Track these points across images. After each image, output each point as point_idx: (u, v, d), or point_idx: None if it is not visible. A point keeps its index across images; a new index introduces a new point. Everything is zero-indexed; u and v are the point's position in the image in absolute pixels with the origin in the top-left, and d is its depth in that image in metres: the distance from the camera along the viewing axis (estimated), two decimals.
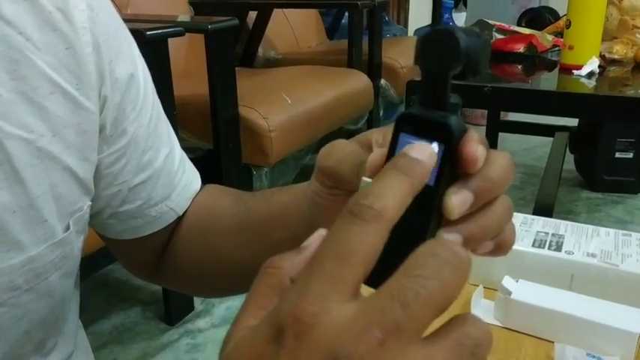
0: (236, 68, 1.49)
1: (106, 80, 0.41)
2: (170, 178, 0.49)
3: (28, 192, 0.37)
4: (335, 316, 0.19)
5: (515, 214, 0.61)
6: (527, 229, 0.62)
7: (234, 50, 1.49)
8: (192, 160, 0.55)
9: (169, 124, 0.51)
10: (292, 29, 2.66)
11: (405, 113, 0.26)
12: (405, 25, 4.32)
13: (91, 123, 0.41)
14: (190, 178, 0.52)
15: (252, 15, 2.30)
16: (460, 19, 4.13)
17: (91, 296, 1.62)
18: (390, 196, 0.22)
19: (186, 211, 0.52)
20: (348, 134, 2.21)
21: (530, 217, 0.65)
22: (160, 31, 1.15)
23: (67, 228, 0.41)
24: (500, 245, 0.29)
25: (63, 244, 0.41)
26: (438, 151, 0.25)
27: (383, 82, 2.35)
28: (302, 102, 1.68)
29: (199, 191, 0.53)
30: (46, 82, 0.37)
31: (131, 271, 0.57)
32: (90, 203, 0.43)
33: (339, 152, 0.34)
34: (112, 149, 0.44)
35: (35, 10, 0.36)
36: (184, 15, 2.18)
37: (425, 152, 0.24)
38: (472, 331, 0.21)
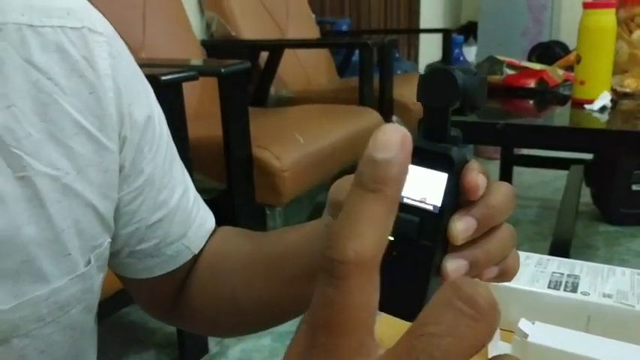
0: (248, 108, 1.52)
1: (126, 122, 0.44)
2: (185, 216, 0.51)
3: (54, 226, 0.39)
4: None
5: (530, 254, 0.61)
6: (543, 269, 0.61)
7: (246, 92, 1.51)
8: (206, 200, 0.56)
9: (183, 165, 0.53)
10: (303, 68, 2.70)
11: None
12: (416, 61, 4.37)
13: (112, 162, 0.43)
14: (205, 217, 0.54)
15: (264, 55, 2.34)
16: (471, 53, 4.17)
17: (107, 338, 1.62)
18: (364, 233, 0.19)
19: (201, 250, 0.53)
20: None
21: (545, 257, 0.64)
22: (174, 75, 1.17)
23: (89, 262, 0.43)
24: (505, 271, 0.30)
25: (84, 278, 0.42)
26: (445, 180, 0.26)
27: (395, 118, 2.36)
28: (314, 141, 1.69)
29: (214, 232, 0.54)
30: (71, 123, 0.40)
31: (148, 312, 0.58)
32: (110, 240, 0.45)
33: (348, 186, 0.35)
34: (130, 188, 0.46)
35: (64, 59, 0.40)
36: (197, 57, 2.22)
37: (392, 144, 0.20)
38: None
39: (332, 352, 0.19)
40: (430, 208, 0.26)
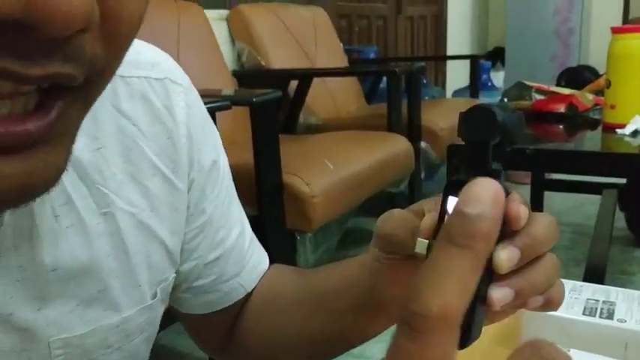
0: (279, 135, 1.55)
1: (194, 166, 0.47)
2: (241, 257, 0.53)
3: (130, 259, 0.43)
4: None
5: (564, 280, 0.61)
6: (577, 296, 0.61)
7: (276, 121, 1.55)
8: None
9: (241, 206, 0.55)
10: (332, 96, 2.74)
11: (452, 180, 0.29)
12: (443, 87, 4.38)
13: (181, 202, 0.46)
14: (259, 258, 0.56)
15: (293, 84, 2.39)
16: (498, 78, 4.17)
17: None
18: (449, 289, 0.20)
19: (254, 287, 0.55)
20: (390, 197, 2.22)
21: (579, 283, 0.64)
22: (208, 105, 1.20)
23: (155, 295, 0.45)
24: (550, 300, 0.31)
25: (150, 310, 0.45)
26: None
27: (423, 144, 2.37)
28: (344, 167, 1.71)
29: (267, 269, 0.57)
30: (149, 165, 0.44)
31: (200, 347, 0.60)
32: (174, 275, 0.48)
33: (394, 220, 0.37)
34: (192, 226, 0.48)
35: (147, 107, 0.44)
36: (229, 87, 2.28)
37: (484, 199, 0.20)
38: None
39: None
40: None
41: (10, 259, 0.36)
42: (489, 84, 3.51)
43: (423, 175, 2.36)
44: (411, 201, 2.31)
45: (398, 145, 2.03)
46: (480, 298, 0.27)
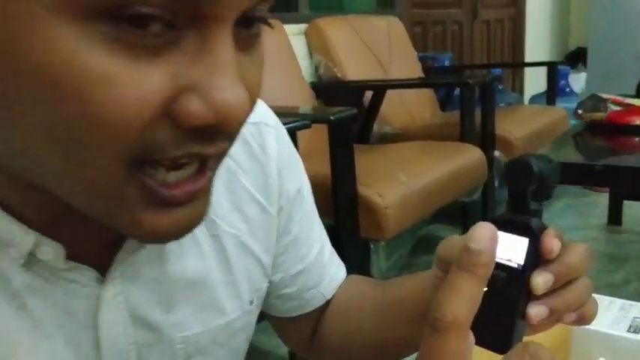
0: (354, 145, 1.64)
1: (283, 195, 0.55)
2: (321, 270, 0.61)
3: (233, 273, 0.51)
4: None
5: (614, 299, 0.68)
6: (625, 314, 0.66)
7: (352, 136, 1.64)
8: None
9: (322, 225, 0.63)
10: (406, 104, 2.79)
11: (498, 216, 0.37)
12: (521, 93, 4.31)
13: (272, 225, 0.55)
14: (337, 270, 0.64)
15: (368, 94, 2.47)
16: (579, 80, 4.05)
17: None
18: (459, 301, 0.29)
19: (333, 296, 0.63)
20: (463, 206, 2.26)
21: (629, 302, 0.69)
22: (290, 125, 1.32)
23: (252, 302, 0.54)
24: (582, 317, 0.38)
25: (249, 314, 0.54)
26: (527, 244, 0.35)
27: (497, 153, 2.39)
28: (416, 179, 1.78)
29: (344, 279, 0.65)
30: (248, 195, 0.52)
31: (288, 345, 0.71)
32: (267, 285, 0.57)
33: (451, 245, 0.45)
34: (280, 244, 0.57)
35: (246, 147, 0.52)
36: (307, 99, 2.39)
37: (483, 238, 0.30)
38: None
39: None
40: (515, 265, 0.36)
41: (146, 272, 0.47)
42: (567, 89, 3.45)
43: (496, 184, 2.38)
44: (484, 210, 2.34)
45: (470, 155, 2.07)
46: (519, 314, 0.36)
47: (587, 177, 1.35)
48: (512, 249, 0.35)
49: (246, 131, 0.52)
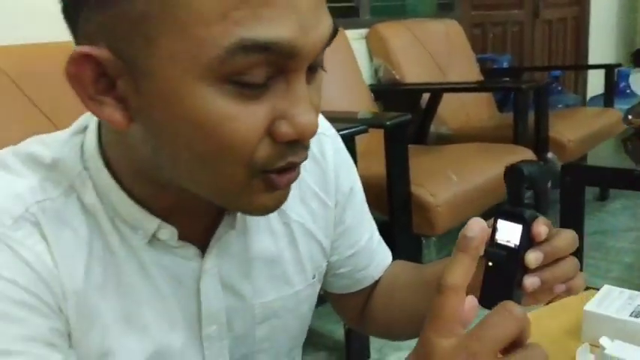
0: (409, 146, 1.76)
1: (339, 191, 0.67)
2: (370, 254, 0.72)
3: (299, 252, 0.63)
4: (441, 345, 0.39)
5: (624, 290, 0.80)
6: (631, 302, 0.78)
7: (407, 140, 1.77)
8: None
9: (371, 218, 0.74)
10: (463, 105, 2.85)
11: (501, 208, 0.47)
12: (584, 92, 4.25)
13: (330, 215, 0.66)
14: (384, 255, 0.75)
15: (426, 95, 2.56)
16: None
17: None
18: (456, 272, 0.40)
19: (380, 277, 0.74)
20: None
21: (636, 293, 0.80)
22: (348, 131, 1.47)
23: (314, 277, 0.66)
24: (570, 288, 0.49)
25: (312, 286, 0.66)
26: (520, 229, 0.45)
27: (550, 155, 2.44)
28: (466, 180, 1.89)
29: (390, 264, 0.76)
30: (310, 191, 0.64)
31: (343, 318, 0.82)
32: (326, 264, 0.68)
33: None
34: (336, 231, 0.68)
35: (310, 155, 0.61)
36: (366, 102, 2.51)
37: (475, 228, 0.40)
38: (531, 354, 0.38)
39: (434, 330, 0.39)
40: (512, 246, 0.45)
41: (234, 250, 0.58)
42: (628, 91, 3.42)
43: (549, 185, 2.44)
44: (536, 209, 2.40)
45: (522, 157, 2.15)
46: (517, 284, 0.45)
47: (627, 181, 1.43)
48: (510, 233, 0.46)
49: None
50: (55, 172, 0.50)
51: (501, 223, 0.46)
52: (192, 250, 0.55)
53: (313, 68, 0.46)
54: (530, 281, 0.46)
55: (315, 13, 0.42)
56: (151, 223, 0.51)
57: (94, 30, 0.42)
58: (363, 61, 2.76)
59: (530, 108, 2.40)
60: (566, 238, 0.48)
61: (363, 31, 2.80)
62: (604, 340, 0.72)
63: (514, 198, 0.47)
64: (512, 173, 0.47)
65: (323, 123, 0.67)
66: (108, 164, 0.50)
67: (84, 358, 0.49)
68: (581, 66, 4.28)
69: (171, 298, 0.54)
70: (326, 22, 0.44)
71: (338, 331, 1.90)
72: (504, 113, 2.98)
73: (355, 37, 2.72)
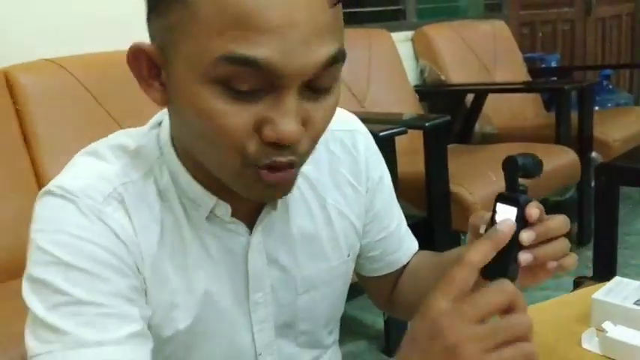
0: (452, 145, 1.83)
1: (369, 179, 0.73)
2: (398, 240, 0.79)
3: (335, 232, 0.70)
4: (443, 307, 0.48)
5: (630, 281, 0.87)
6: (636, 292, 0.84)
7: (446, 140, 1.84)
8: (409, 225, 0.82)
9: (399, 208, 0.80)
10: (509, 103, 2.86)
11: (499, 193, 0.54)
12: (638, 94, 4.15)
13: (362, 201, 0.73)
14: (411, 243, 0.81)
15: (471, 95, 2.61)
16: None
17: None
18: (479, 252, 0.47)
19: (407, 263, 0.80)
20: (554, 205, 2.36)
21: None
22: (388, 132, 1.56)
23: (349, 255, 0.72)
24: (561, 266, 0.56)
25: (345, 263, 0.73)
26: (515, 211, 0.52)
27: (594, 154, 2.45)
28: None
29: (416, 253, 0.82)
30: (344, 179, 0.71)
31: (374, 302, 0.88)
32: (359, 245, 0.75)
33: (480, 217, 0.60)
34: (368, 216, 0.74)
35: (343, 146, 0.71)
36: (411, 103, 2.58)
37: (505, 228, 0.49)
38: (515, 318, 0.45)
39: (440, 290, 0.46)
40: None
41: (277, 227, 0.65)
42: None
43: (593, 184, 2.46)
44: (580, 208, 2.43)
45: (563, 158, 2.18)
46: (512, 259, 0.52)
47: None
48: (507, 215, 0.52)
49: (344, 136, 0.71)
50: (137, 158, 0.61)
51: (499, 207, 0.53)
52: (242, 227, 0.63)
53: (317, 90, 0.53)
54: (525, 257, 0.53)
55: (306, 43, 0.49)
56: (210, 199, 0.60)
57: (153, 32, 0.54)
58: (409, 62, 2.82)
59: (574, 108, 2.42)
60: (558, 220, 0.55)
61: (409, 34, 2.86)
62: (607, 325, 0.80)
63: (510, 185, 0.54)
64: (509, 164, 0.54)
65: (357, 122, 0.76)
66: (177, 152, 0.61)
67: (157, 310, 0.59)
68: (633, 64, 4.18)
69: (222, 266, 0.63)
70: (321, 51, 0.50)
71: (378, 322, 1.99)
72: (551, 112, 2.97)
73: (401, 40, 2.78)
